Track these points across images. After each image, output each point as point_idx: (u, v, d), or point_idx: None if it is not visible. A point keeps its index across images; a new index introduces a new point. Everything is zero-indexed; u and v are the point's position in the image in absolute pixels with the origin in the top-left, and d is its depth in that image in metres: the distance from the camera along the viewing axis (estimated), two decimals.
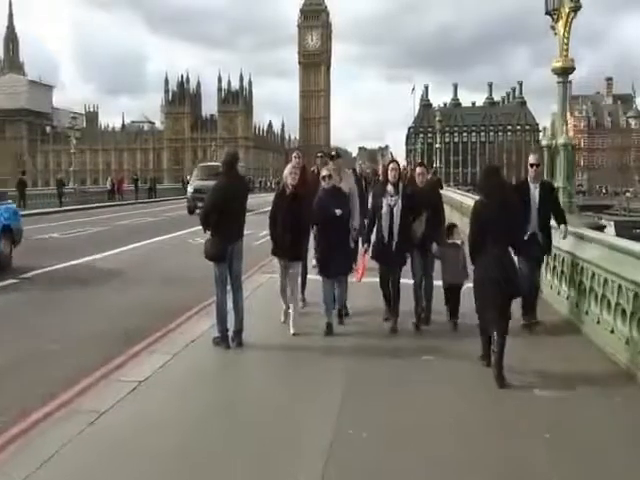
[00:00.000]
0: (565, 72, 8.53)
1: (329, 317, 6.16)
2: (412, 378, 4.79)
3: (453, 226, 6.73)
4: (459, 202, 19.58)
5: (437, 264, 6.60)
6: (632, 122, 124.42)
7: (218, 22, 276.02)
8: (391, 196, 6.07)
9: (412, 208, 6.15)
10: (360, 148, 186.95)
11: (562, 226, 6.72)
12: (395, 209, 6.04)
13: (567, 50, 8.34)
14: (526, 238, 6.30)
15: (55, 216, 24.43)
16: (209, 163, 30.83)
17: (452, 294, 6.49)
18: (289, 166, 6.21)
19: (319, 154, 7.89)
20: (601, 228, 9.38)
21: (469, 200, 16.85)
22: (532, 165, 6.70)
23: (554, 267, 7.61)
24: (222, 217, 5.39)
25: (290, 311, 6.16)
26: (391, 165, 6.23)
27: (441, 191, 8.09)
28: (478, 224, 5.01)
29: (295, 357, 5.42)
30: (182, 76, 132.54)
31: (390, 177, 6.09)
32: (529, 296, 6.39)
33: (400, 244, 6.11)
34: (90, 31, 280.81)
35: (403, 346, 5.69)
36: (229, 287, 5.62)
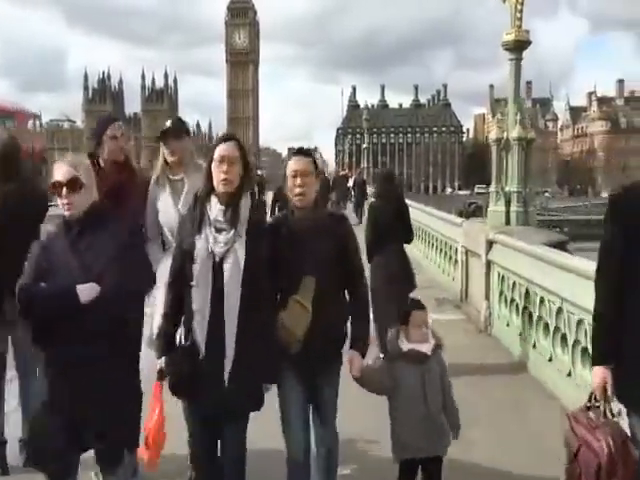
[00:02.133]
0: (519, 47, 6.90)
1: None
2: None
3: (415, 306, 2.87)
4: None
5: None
6: (550, 125, 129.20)
7: (143, 19, 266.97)
8: (218, 230, 2.44)
9: (275, 266, 2.54)
10: (290, 149, 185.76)
11: None
12: (228, 265, 2.41)
13: (520, 19, 6.73)
14: None
15: None
16: None
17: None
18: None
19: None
20: (563, 243, 7.92)
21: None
22: None
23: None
24: None
25: None
26: (218, 150, 2.48)
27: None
28: (377, 226, 5.28)
29: None
30: (103, 73, 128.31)
31: (216, 182, 2.47)
32: None
33: (242, 358, 2.41)
34: (4, 25, 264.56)
35: None
36: (12, 373, 3.39)
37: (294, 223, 2.66)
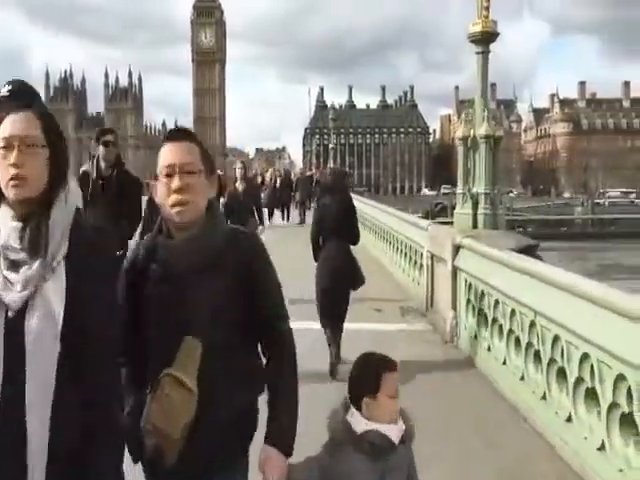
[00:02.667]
0: (486, 39, 6.49)
1: None
2: None
3: (387, 367, 1.76)
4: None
5: None
6: (514, 126, 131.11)
7: (107, 16, 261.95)
8: (12, 264, 1.32)
9: (136, 322, 1.62)
10: (258, 149, 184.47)
11: None
12: (32, 323, 1.28)
13: (488, 9, 6.31)
14: None
15: None
16: None
17: None
18: None
19: None
20: (533, 248, 7.57)
21: (375, 211, 14.38)
22: None
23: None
24: None
25: None
26: (2, 128, 1.34)
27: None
28: (323, 222, 5.29)
29: None
30: (65, 71, 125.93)
31: (3, 182, 1.34)
32: None
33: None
34: None
35: None
36: None
37: (171, 251, 1.59)
